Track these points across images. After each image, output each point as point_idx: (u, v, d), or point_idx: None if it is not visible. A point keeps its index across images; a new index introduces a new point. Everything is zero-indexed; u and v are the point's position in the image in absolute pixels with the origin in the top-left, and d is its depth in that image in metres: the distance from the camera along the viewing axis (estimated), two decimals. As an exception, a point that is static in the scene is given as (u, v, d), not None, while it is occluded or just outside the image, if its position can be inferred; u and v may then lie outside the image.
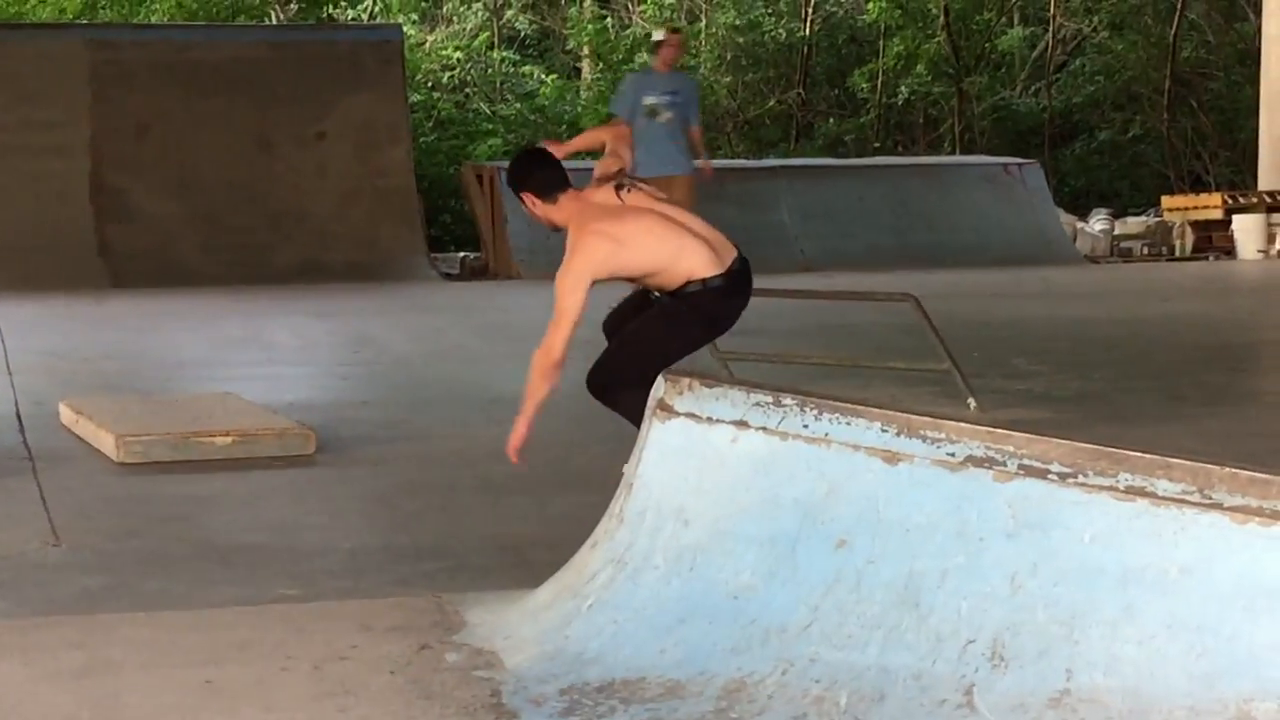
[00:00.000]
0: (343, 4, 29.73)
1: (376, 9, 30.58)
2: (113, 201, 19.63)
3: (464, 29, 33.79)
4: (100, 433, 7.81)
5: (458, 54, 31.70)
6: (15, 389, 9.71)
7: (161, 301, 16.43)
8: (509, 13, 34.90)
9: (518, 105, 30.66)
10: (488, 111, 30.40)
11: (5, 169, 19.39)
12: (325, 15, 28.71)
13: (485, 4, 34.64)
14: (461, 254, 22.42)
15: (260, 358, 11.85)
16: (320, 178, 20.51)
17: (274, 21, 28.08)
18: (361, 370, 11.53)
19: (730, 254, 6.58)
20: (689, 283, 6.46)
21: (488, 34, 33.19)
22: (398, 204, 20.86)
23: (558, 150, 7.08)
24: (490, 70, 31.86)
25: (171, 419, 8.10)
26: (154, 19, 26.08)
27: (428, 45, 31.73)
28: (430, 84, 30.27)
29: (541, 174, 6.68)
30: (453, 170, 24.63)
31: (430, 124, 28.07)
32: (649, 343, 6.60)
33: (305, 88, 20.74)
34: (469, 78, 31.48)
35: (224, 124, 20.18)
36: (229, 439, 7.65)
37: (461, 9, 34.69)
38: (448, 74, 31.23)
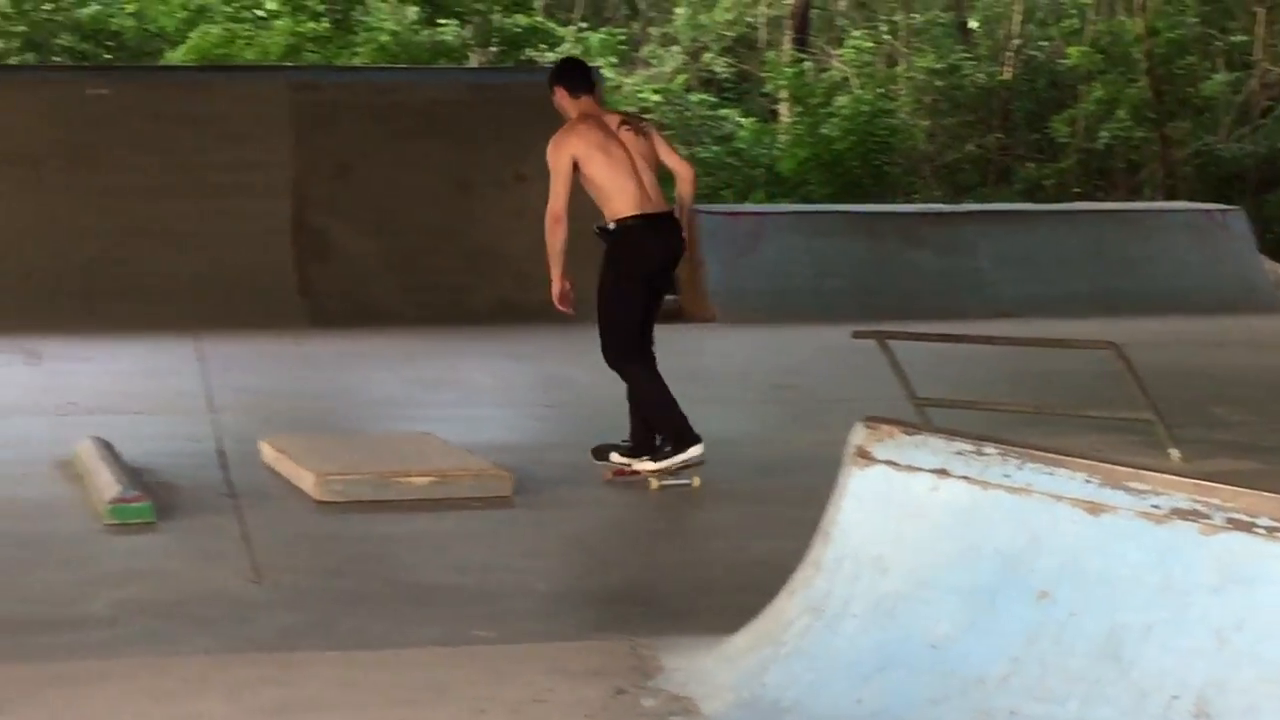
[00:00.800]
0: (542, 47, 30.04)
1: (576, 52, 30.87)
2: (313, 241, 19.89)
3: (662, 71, 34.00)
4: (300, 471, 7.95)
5: (656, 96, 31.88)
6: (218, 427, 9.92)
7: (360, 341, 16.66)
8: (707, 56, 35.07)
9: (715, 148, 30.73)
10: (685, 154, 30.48)
11: (212, 208, 19.78)
12: (525, 58, 29.04)
13: (683, 47, 34.88)
14: (657, 296, 22.45)
15: (457, 398, 11.97)
16: (518, 219, 20.66)
17: (474, 65, 28.46)
18: (557, 412, 11.61)
19: (661, 206, 8.49)
20: (617, 219, 8.43)
21: (685, 77, 33.34)
22: (594, 245, 21.01)
23: None
24: (688, 113, 31.98)
25: (370, 458, 8.23)
26: (356, 62, 26.54)
27: (625, 88, 31.96)
28: (628, 126, 30.42)
29: (575, 75, 8.65)
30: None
31: (627, 166, 28.20)
32: (605, 301, 8.66)
33: (504, 130, 20.94)
34: (666, 120, 31.62)
35: (423, 165, 20.42)
36: (427, 479, 7.74)
37: (660, 52, 34.95)
38: (645, 116, 31.38)
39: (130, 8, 28.51)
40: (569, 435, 10.44)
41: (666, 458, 8.06)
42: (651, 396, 8.35)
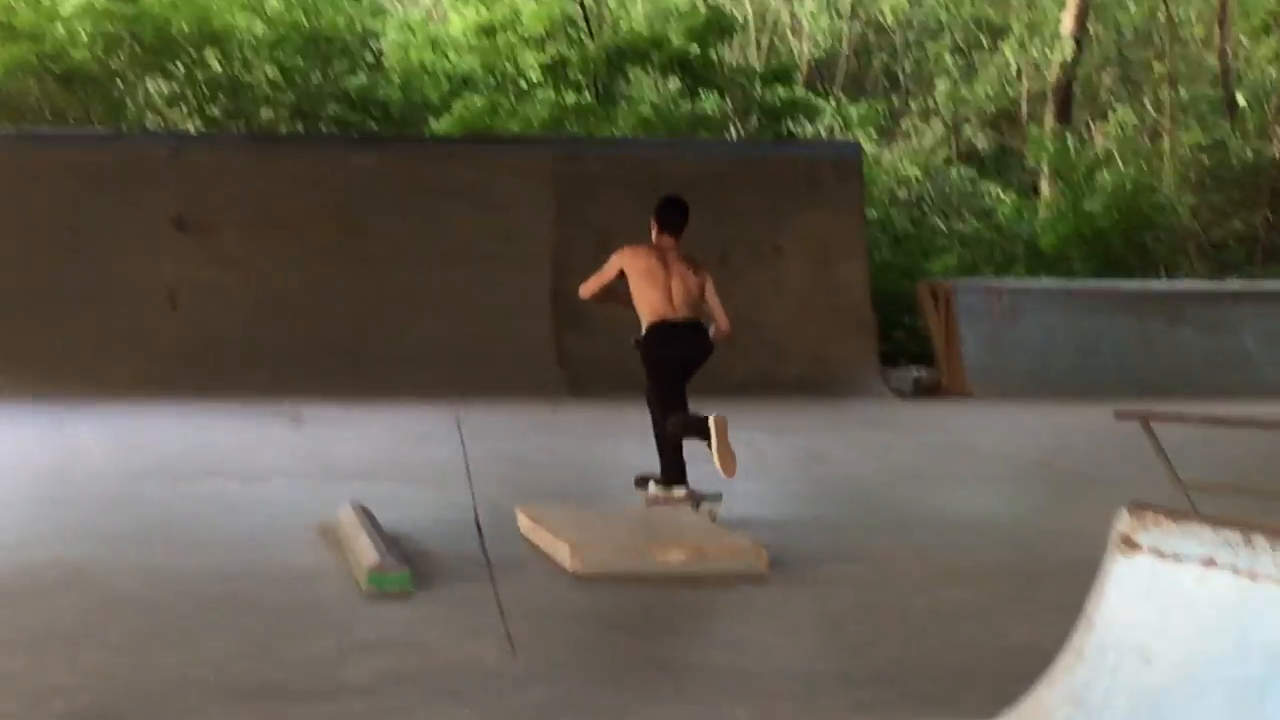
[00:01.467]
0: (802, 120, 30.10)
1: (836, 124, 30.88)
2: (571, 312, 20.09)
3: (922, 145, 33.87)
4: (556, 542, 8.01)
5: (915, 170, 31.77)
6: (475, 495, 10.06)
7: (616, 411, 16.75)
8: (968, 129, 34.87)
9: (975, 222, 30.49)
10: (944, 228, 30.31)
11: (474, 277, 20.14)
12: (785, 131, 29.13)
13: (944, 120, 34.70)
14: (914, 370, 22.32)
15: (713, 471, 11.96)
16: (775, 292, 20.74)
17: (734, 137, 28.60)
18: (813, 487, 11.57)
19: (684, 314, 10.16)
20: (646, 327, 10.19)
21: (946, 150, 33.17)
22: (851, 319, 20.95)
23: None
24: (947, 187, 31.78)
25: (627, 531, 8.27)
26: (616, 133, 26.83)
27: (885, 161, 31.88)
28: (887, 199, 30.37)
29: (667, 216, 10.53)
30: (908, 286, 24.63)
31: (886, 239, 28.14)
32: (648, 380, 10.33)
33: (763, 202, 21.05)
34: (926, 193, 31.47)
35: (683, 236, 20.53)
36: (683, 554, 7.75)
37: (920, 125, 34.83)
38: (904, 189, 31.29)
39: (396, 78, 29.17)
40: (825, 511, 10.40)
41: (659, 486, 10.09)
42: (664, 442, 10.21)
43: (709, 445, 9.66)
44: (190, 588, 7.28)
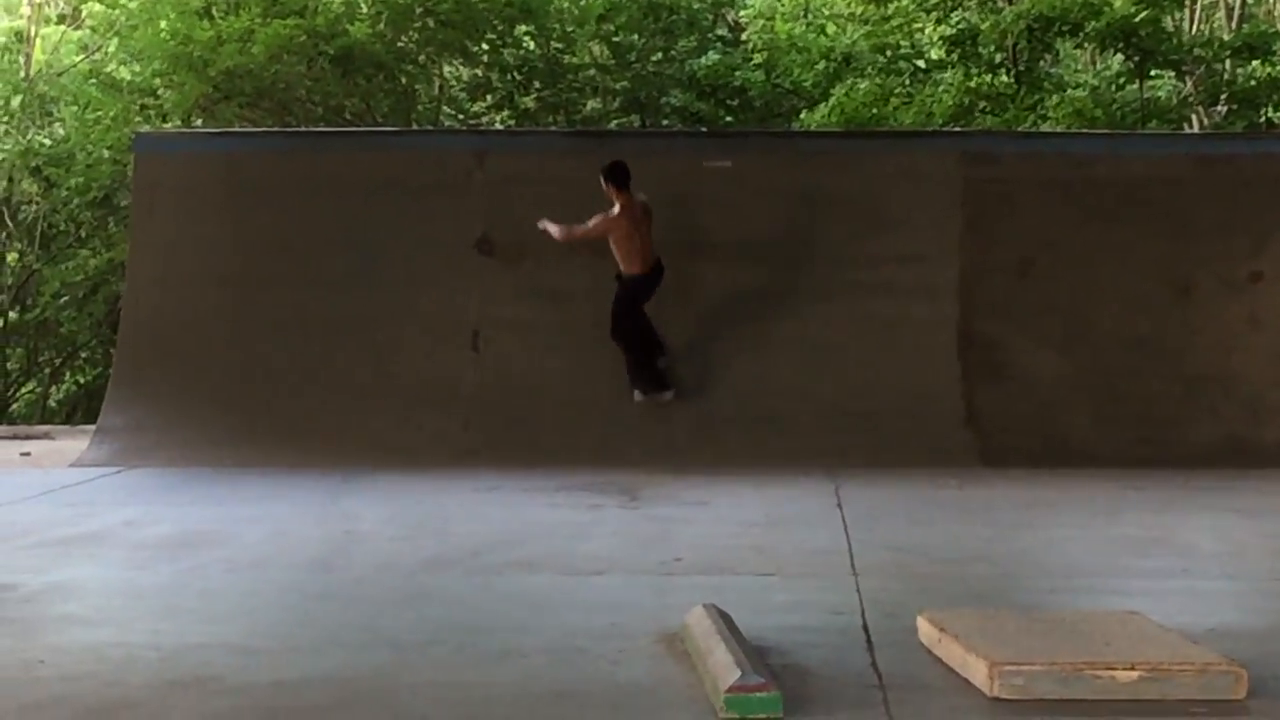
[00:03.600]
0: (1287, 104, 29.49)
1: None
2: (984, 357, 19.84)
3: None
4: (969, 657, 7.92)
5: None
6: (862, 595, 9.99)
7: (1042, 487, 16.58)
8: None
9: None
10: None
11: (857, 312, 19.95)
12: (1263, 121, 28.53)
13: None
14: None
15: (1171, 566, 11.75)
16: (1253, 331, 20.23)
17: (1196, 129, 28.09)
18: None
19: (651, 260, 18.73)
20: (628, 274, 18.73)
21: None
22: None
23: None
24: None
25: (1059, 644, 8.13)
26: (1043, 126, 26.52)
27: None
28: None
29: (620, 175, 18.61)
30: None
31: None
32: (617, 315, 18.83)
33: (1236, 215, 20.54)
34: None
35: (1127, 260, 20.18)
36: (1134, 674, 7.60)
37: None
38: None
39: (758, 58, 29.23)
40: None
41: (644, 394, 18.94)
42: (633, 361, 19.02)
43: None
44: (496, 710, 7.36)
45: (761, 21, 29.46)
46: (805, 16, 29.45)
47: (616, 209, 18.50)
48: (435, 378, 19.74)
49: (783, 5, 29.54)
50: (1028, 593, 10.91)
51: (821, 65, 28.77)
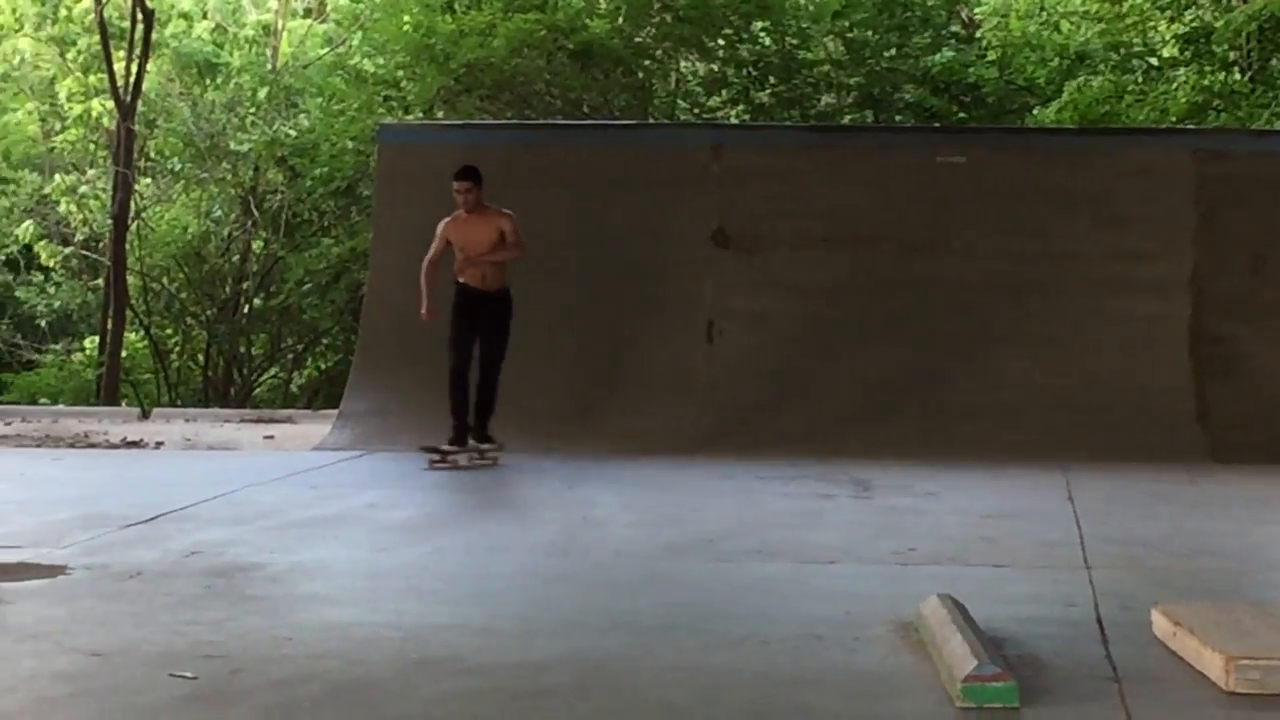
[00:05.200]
0: None
1: None
2: (1215, 353, 19.57)
3: None
4: (1204, 651, 7.82)
5: None
6: (1095, 588, 9.91)
7: (1273, 483, 16.35)
8: None
9: None
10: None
11: (1086, 308, 19.75)
12: None
13: None
14: None
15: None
16: None
17: None
18: None
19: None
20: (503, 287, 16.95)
21: None
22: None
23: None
24: None
25: (1299, 640, 8.02)
26: (1277, 124, 26.14)
27: None
28: None
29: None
30: None
31: None
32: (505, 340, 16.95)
33: None
34: None
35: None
36: (1377, 672, 7.48)
37: None
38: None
39: (992, 55, 29.04)
40: None
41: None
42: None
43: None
44: (736, 695, 7.37)
45: (996, 19, 29.24)
46: (1040, 14, 29.19)
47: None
48: (670, 367, 19.79)
49: (1017, 3, 29.30)
50: (1261, 587, 10.77)
51: (1055, 62, 28.53)
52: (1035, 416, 19.09)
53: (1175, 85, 26.93)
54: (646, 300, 20.07)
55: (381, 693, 7.42)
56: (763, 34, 29.15)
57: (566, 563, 11.28)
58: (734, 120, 28.30)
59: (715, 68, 29.52)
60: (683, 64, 30.04)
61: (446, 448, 16.03)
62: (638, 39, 29.05)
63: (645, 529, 12.90)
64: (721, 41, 29.16)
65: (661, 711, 7.09)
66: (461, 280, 17.00)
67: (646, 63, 29.48)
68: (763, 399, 19.41)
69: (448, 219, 17.22)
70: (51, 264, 35.26)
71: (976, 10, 29.92)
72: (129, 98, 32.41)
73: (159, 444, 19.81)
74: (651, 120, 27.18)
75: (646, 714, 7.05)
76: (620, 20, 28.73)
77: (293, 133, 32.20)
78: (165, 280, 33.84)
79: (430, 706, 7.16)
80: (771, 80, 29.16)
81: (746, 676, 7.74)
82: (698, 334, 19.96)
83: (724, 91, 29.55)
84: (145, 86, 32.70)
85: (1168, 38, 28.32)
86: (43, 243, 34.86)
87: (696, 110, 29.36)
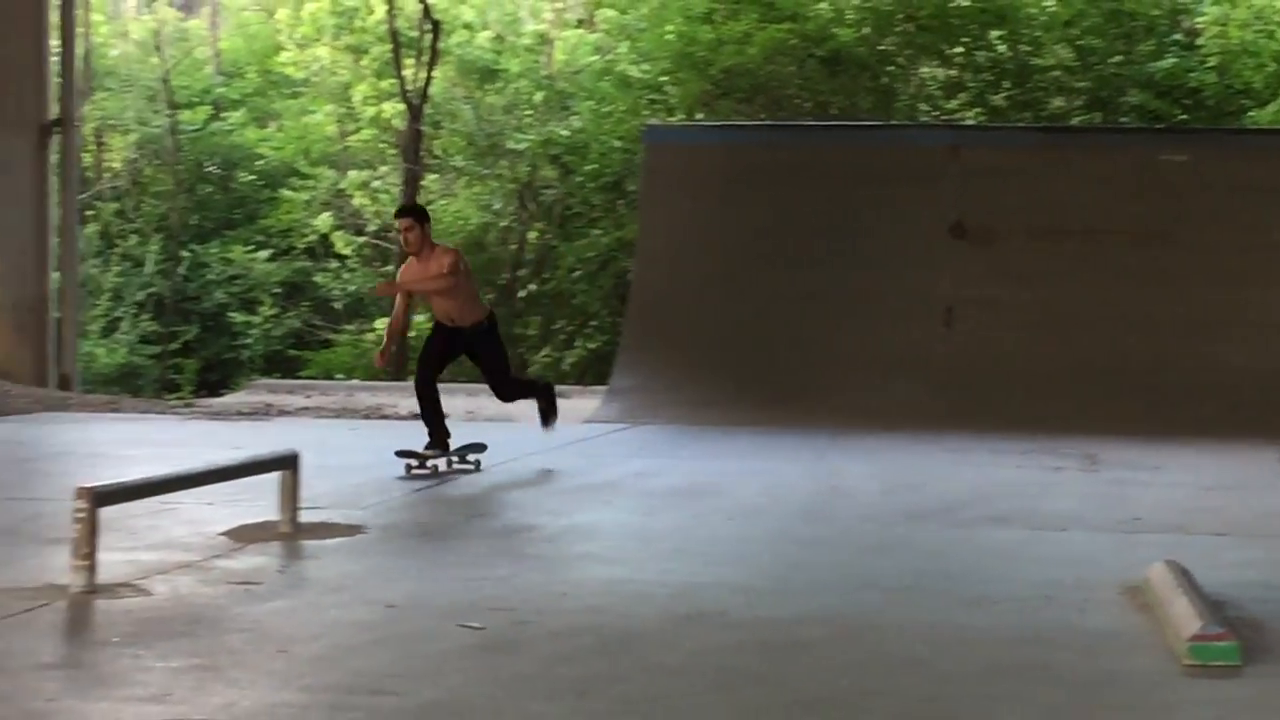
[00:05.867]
0: None
1: None
2: None
3: None
4: None
5: None
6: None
7: None
8: None
9: None
10: None
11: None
12: None
13: None
14: None
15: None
16: None
17: None
18: None
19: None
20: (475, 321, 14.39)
21: None
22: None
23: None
24: None
25: None
26: None
27: None
28: None
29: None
30: None
31: None
32: (504, 358, 14.92)
33: None
34: None
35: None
36: None
37: None
38: None
39: (1212, 61, 28.61)
40: None
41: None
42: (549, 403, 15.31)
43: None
44: (976, 650, 7.35)
45: (1216, 28, 28.80)
46: (1258, 23, 28.69)
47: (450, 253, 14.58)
48: (908, 349, 19.76)
49: (1236, 12, 28.83)
50: None
51: (1272, 68, 28.06)
52: (1251, 396, 18.83)
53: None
54: (886, 287, 20.05)
55: (652, 644, 7.47)
56: (998, 42, 28.94)
57: (817, 527, 11.29)
58: (970, 121, 28.09)
59: (954, 73, 29.35)
60: (923, 69, 29.86)
61: (424, 452, 14.05)
62: (882, 46, 28.95)
63: (888, 497, 12.89)
64: (960, 49, 28.98)
65: (907, 664, 7.07)
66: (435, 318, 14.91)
67: (890, 68, 29.36)
68: (996, 379, 19.31)
69: (404, 265, 14.84)
70: (346, 252, 35.76)
71: (1198, 20, 29.46)
72: (418, 101, 32.88)
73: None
74: (893, 122, 27.04)
75: (893, 666, 7.04)
76: (866, 29, 28.64)
77: (565, 133, 32.39)
78: (449, 267, 34.25)
79: (696, 657, 7.20)
80: (1006, 85, 28.93)
81: (984, 634, 7.71)
82: (935, 319, 19.89)
83: (961, 95, 29.36)
84: (432, 90, 33.10)
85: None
86: (338, 233, 35.36)
87: (935, 113, 29.18)
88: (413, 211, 14.72)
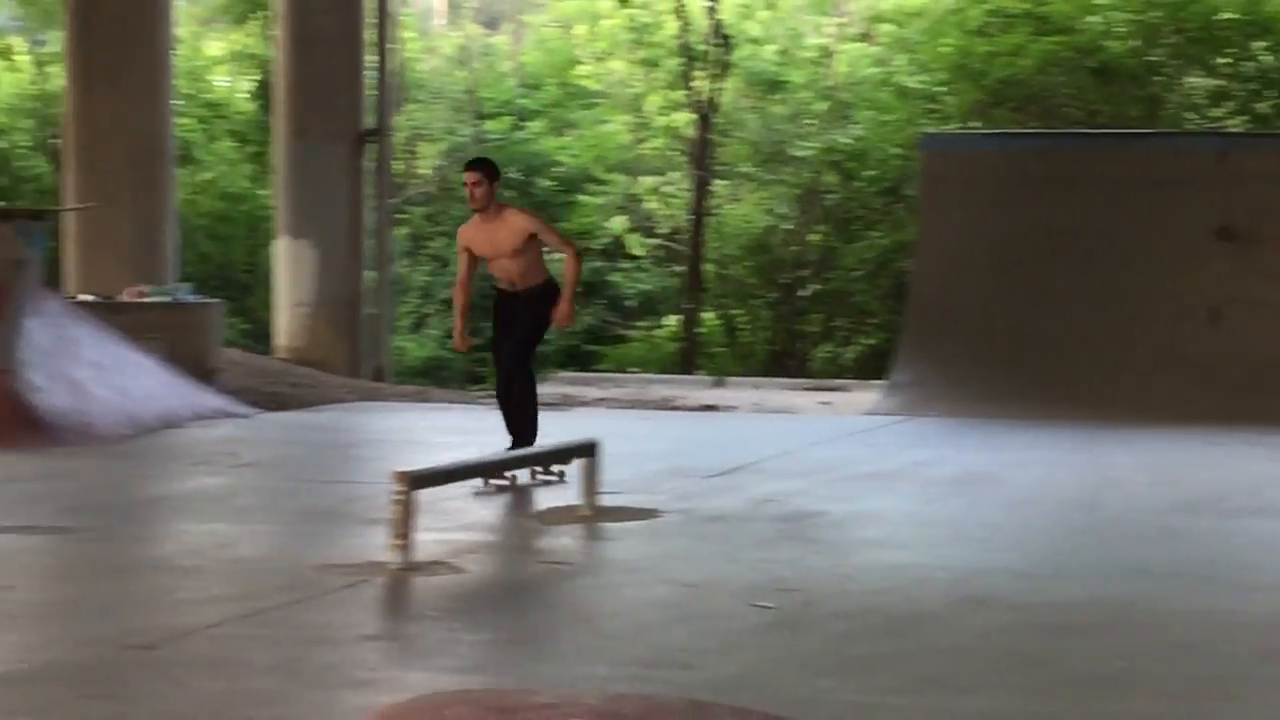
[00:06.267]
0: None
1: None
2: None
3: None
4: None
5: None
6: None
7: None
8: None
9: None
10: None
11: None
12: None
13: None
14: None
15: None
16: None
17: None
18: None
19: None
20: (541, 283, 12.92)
21: None
22: None
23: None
24: None
25: None
26: None
27: None
28: None
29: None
30: None
31: None
32: (539, 330, 13.07)
33: None
34: None
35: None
36: None
37: None
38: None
39: None
40: None
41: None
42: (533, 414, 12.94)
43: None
44: (1245, 635, 7.30)
45: None
46: None
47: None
48: (1174, 347, 19.52)
49: None
50: None
51: None
52: None
53: None
54: (1150, 287, 19.84)
55: (934, 625, 7.52)
56: (1263, 52, 28.40)
57: (1090, 515, 11.24)
58: (1236, 129, 27.60)
59: (1220, 82, 28.84)
60: (1189, 79, 29.37)
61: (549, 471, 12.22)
62: (1149, 57, 28.54)
63: (1156, 488, 12.77)
64: (1225, 59, 28.50)
65: (1179, 649, 7.05)
66: (496, 284, 13.12)
67: (1157, 78, 28.93)
68: (1260, 375, 19.00)
69: (463, 225, 13.27)
70: (639, 253, 36.02)
71: None
72: (707, 111, 33.06)
73: (731, 408, 20.20)
74: (1161, 130, 26.66)
75: (1166, 650, 7.02)
76: (1136, 41, 28.27)
77: (846, 141, 32.34)
78: (735, 267, 34.28)
79: (977, 638, 7.23)
80: (1270, 93, 28.38)
81: (1253, 620, 7.65)
82: (1199, 318, 19.63)
83: (1227, 103, 28.84)
84: (720, 101, 33.26)
85: None
86: (632, 235, 35.64)
87: (1201, 120, 28.69)
88: (483, 165, 13.06)
